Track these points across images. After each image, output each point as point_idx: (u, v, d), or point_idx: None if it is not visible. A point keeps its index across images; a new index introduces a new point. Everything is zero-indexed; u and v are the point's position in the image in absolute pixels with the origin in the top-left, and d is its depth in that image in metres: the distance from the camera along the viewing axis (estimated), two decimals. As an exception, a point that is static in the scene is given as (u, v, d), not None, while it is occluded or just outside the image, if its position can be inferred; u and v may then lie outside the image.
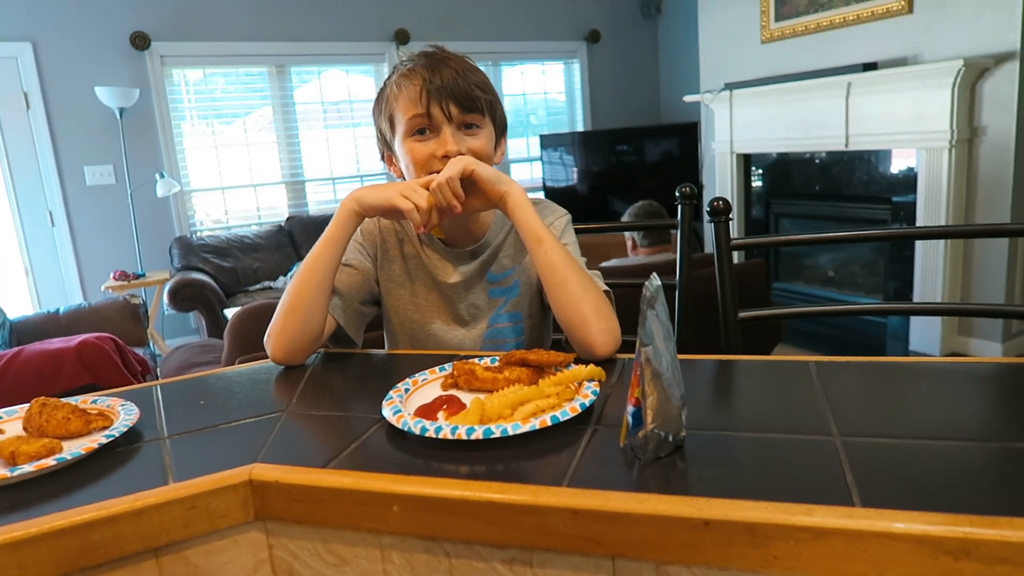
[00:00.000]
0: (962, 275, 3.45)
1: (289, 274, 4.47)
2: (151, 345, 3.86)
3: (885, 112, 3.50)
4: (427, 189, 1.02)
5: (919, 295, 3.55)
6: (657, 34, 5.92)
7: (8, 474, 0.71)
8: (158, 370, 3.46)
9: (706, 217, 1.21)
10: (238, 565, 0.73)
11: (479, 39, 5.13)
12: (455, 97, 1.05)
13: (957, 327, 3.55)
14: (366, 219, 1.21)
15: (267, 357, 1.08)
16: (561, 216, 1.17)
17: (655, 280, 0.66)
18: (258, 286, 4.44)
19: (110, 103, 4.04)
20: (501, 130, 1.15)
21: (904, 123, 3.42)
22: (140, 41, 4.25)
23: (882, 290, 3.90)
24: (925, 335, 3.59)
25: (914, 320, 3.66)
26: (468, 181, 1.02)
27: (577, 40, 5.65)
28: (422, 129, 1.08)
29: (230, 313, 3.77)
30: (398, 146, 1.12)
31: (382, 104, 1.13)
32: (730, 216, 1.13)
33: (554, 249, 1.00)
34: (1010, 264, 3.28)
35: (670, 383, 0.65)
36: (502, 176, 1.04)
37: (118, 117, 4.12)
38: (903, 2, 3.39)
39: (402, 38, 4.97)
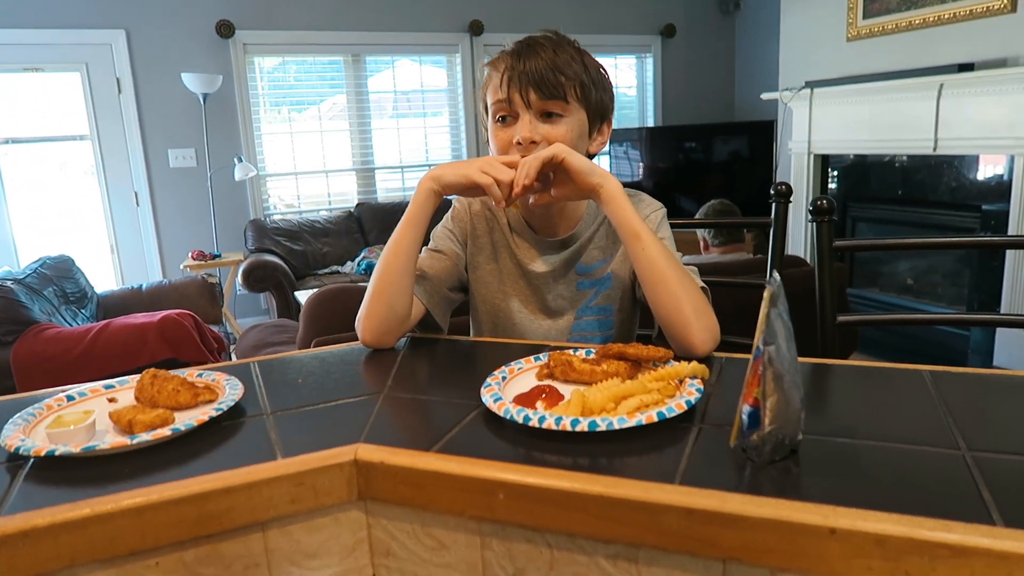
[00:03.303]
0: (1056, 289, 3.26)
1: (357, 259, 4.55)
2: (224, 323, 4.00)
3: (979, 116, 3.33)
4: (507, 166, 1.01)
5: (1007, 308, 3.37)
6: (734, 30, 5.77)
7: (128, 441, 0.74)
8: (232, 347, 3.57)
9: (799, 217, 1.16)
10: (338, 543, 0.75)
11: (552, 32, 5.10)
12: (536, 83, 1.04)
13: (1048, 343, 3.36)
14: (457, 206, 1.22)
15: (344, 339, 1.09)
16: (657, 209, 1.15)
17: (777, 278, 0.64)
18: (327, 270, 4.53)
19: (195, 89, 4.18)
20: (599, 117, 1.12)
21: (1000, 128, 3.24)
22: (225, 29, 4.38)
23: (965, 301, 3.72)
24: (1012, 350, 3.40)
25: (1000, 333, 3.47)
26: (560, 169, 1.01)
27: (652, 34, 5.57)
28: (505, 116, 1.08)
29: (300, 295, 3.86)
30: (489, 131, 1.12)
31: (482, 89, 1.13)
32: (834, 216, 1.09)
33: (653, 245, 0.98)
34: (1111, 279, 3.08)
35: (791, 385, 0.62)
36: (596, 168, 1.02)
37: (201, 102, 4.26)
38: (1005, 0, 3.21)
39: (476, 30, 4.99)
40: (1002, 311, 3.40)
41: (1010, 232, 3.29)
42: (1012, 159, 3.25)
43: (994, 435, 0.69)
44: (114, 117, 4.29)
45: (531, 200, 1.06)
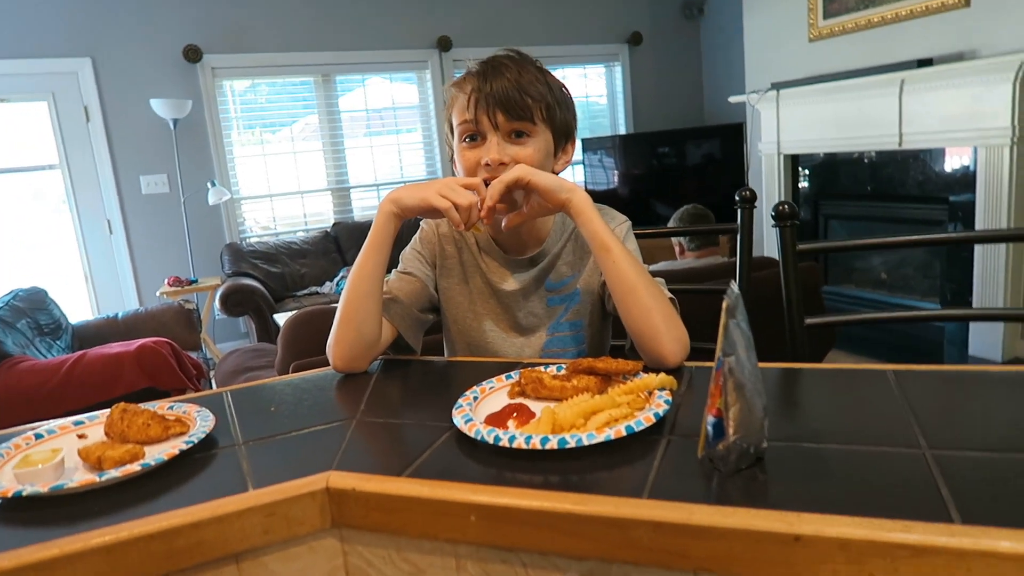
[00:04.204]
0: (1024, 277, 3.33)
1: (335, 279, 4.53)
2: (203, 349, 3.96)
3: (941, 109, 3.40)
4: (465, 188, 1.02)
5: (978, 299, 3.43)
6: (699, 35, 5.85)
7: (97, 479, 0.73)
8: (212, 373, 3.54)
9: (769, 221, 1.18)
10: (314, 571, 0.74)
11: (520, 44, 5.13)
12: (503, 105, 1.05)
13: (1021, 332, 3.42)
14: (425, 228, 1.22)
15: (322, 361, 1.09)
16: (622, 222, 1.16)
17: (735, 288, 0.65)
18: (305, 291, 4.51)
19: (164, 114, 4.16)
20: (564, 136, 1.14)
21: (962, 120, 3.31)
22: (192, 54, 4.36)
23: (938, 293, 3.78)
24: (985, 340, 3.46)
25: (974, 323, 3.53)
26: (528, 189, 1.02)
27: (618, 43, 5.62)
28: (472, 136, 1.09)
29: (279, 318, 3.84)
30: (455, 150, 1.13)
31: (447, 109, 1.14)
32: (796, 220, 1.11)
33: (622, 257, 0.99)
34: (1077, 266, 3.15)
35: (752, 394, 0.63)
36: (563, 183, 1.03)
37: (172, 128, 4.24)
38: (960, -4, 3.29)
39: (444, 45, 5.01)
40: (973, 301, 3.46)
41: (977, 222, 3.35)
42: (975, 150, 3.32)
43: (955, 432, 0.70)
44: (83, 145, 4.25)
45: (503, 223, 1.07)
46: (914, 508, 0.56)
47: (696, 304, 1.25)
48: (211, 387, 3.34)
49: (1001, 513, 0.54)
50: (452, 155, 1.18)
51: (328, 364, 1.10)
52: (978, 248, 3.41)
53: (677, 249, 2.89)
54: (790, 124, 4.27)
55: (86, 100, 4.20)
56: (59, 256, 4.36)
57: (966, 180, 3.42)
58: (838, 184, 4.16)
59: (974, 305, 3.43)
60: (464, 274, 1.19)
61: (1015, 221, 3.21)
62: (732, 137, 5.03)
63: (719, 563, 0.58)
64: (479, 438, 0.75)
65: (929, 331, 3.77)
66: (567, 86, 1.16)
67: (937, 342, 3.72)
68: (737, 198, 1.34)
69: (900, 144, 3.62)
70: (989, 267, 3.36)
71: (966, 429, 0.72)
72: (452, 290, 1.20)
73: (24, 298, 3.28)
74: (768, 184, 4.49)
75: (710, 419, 0.65)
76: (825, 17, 3.99)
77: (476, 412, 0.84)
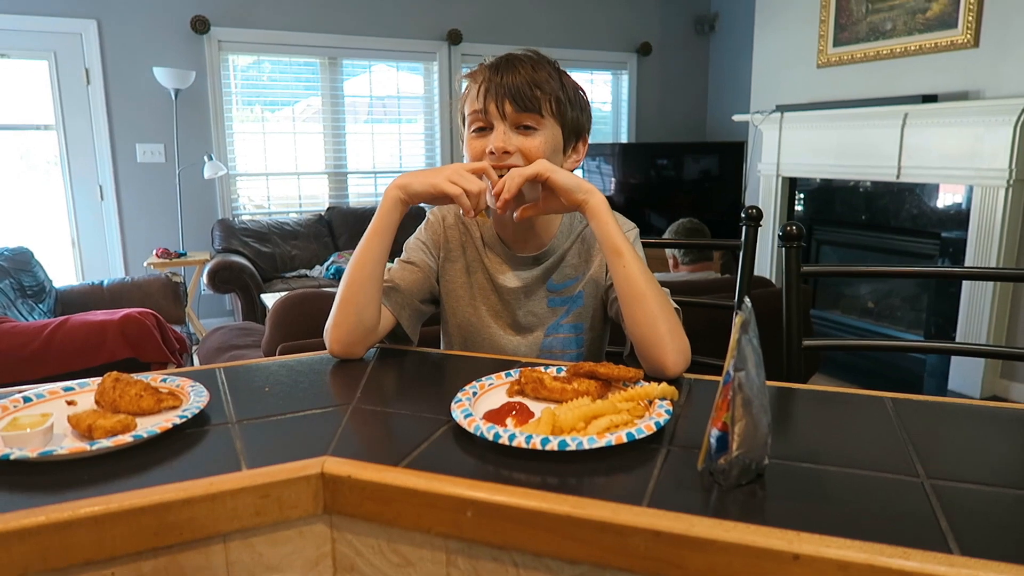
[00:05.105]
0: (1009, 317, 3.37)
1: (326, 263, 4.51)
2: (187, 324, 3.92)
3: (941, 146, 3.43)
4: (474, 174, 1.02)
5: (962, 334, 3.47)
6: (709, 51, 5.87)
7: (88, 447, 0.72)
8: (195, 348, 3.51)
9: (767, 239, 1.18)
10: (301, 557, 0.74)
11: (531, 44, 5.12)
12: (512, 96, 1.04)
13: (1000, 370, 3.47)
14: (431, 218, 1.22)
15: (312, 345, 1.09)
16: (630, 229, 1.16)
17: (748, 305, 0.65)
18: (295, 273, 4.48)
19: (167, 84, 4.11)
20: (575, 135, 1.13)
21: (960, 158, 3.35)
22: (200, 25, 4.32)
23: (923, 325, 3.82)
24: (966, 375, 3.51)
25: (955, 358, 3.57)
26: (545, 186, 1.02)
27: (628, 52, 5.63)
28: (482, 127, 1.08)
29: (267, 298, 3.81)
30: (464, 140, 1.12)
31: (460, 100, 1.14)
32: (803, 243, 1.12)
33: (633, 263, 0.98)
34: (1061, 310, 3.20)
35: (759, 410, 0.63)
36: (582, 183, 1.02)
37: (173, 98, 4.19)
38: (968, 36, 3.33)
39: (454, 39, 5.00)
40: (957, 336, 3.49)
41: (968, 259, 3.39)
42: (971, 189, 3.36)
43: (951, 463, 0.71)
44: (81, 108, 4.19)
45: (516, 214, 1.07)
46: (913, 536, 0.56)
47: (692, 317, 1.25)
48: (192, 363, 3.30)
49: (998, 547, 0.55)
50: (463, 148, 1.17)
51: (319, 348, 1.09)
52: (966, 284, 3.45)
53: (671, 262, 2.90)
54: (791, 147, 4.29)
55: (88, 63, 4.14)
56: (47, 219, 4.30)
57: (959, 217, 3.46)
58: (833, 211, 4.20)
59: (957, 340, 3.47)
60: (467, 267, 1.19)
61: (1004, 260, 3.25)
62: (732, 155, 5.05)
63: (715, 577, 0.58)
64: (478, 434, 0.75)
65: (911, 363, 3.81)
66: (584, 89, 1.15)
67: (918, 374, 3.76)
68: (743, 215, 1.34)
69: (898, 176, 3.65)
70: (976, 304, 3.40)
71: (963, 461, 0.72)
72: (454, 283, 1.19)
73: (9, 258, 3.23)
74: (764, 205, 4.51)
75: (714, 432, 0.65)
76: (835, 45, 4.02)
77: (475, 408, 0.83)
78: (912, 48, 3.60)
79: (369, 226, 1.06)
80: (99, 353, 2.66)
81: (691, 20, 5.77)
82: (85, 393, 0.89)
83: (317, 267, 4.53)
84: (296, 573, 0.73)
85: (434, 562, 0.71)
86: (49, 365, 2.55)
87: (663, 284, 1.07)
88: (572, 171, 1.14)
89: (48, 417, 0.77)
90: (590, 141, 1.18)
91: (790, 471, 0.69)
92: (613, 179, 5.47)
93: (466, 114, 1.10)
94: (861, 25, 3.86)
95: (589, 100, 1.16)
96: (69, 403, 0.87)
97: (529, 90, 1.05)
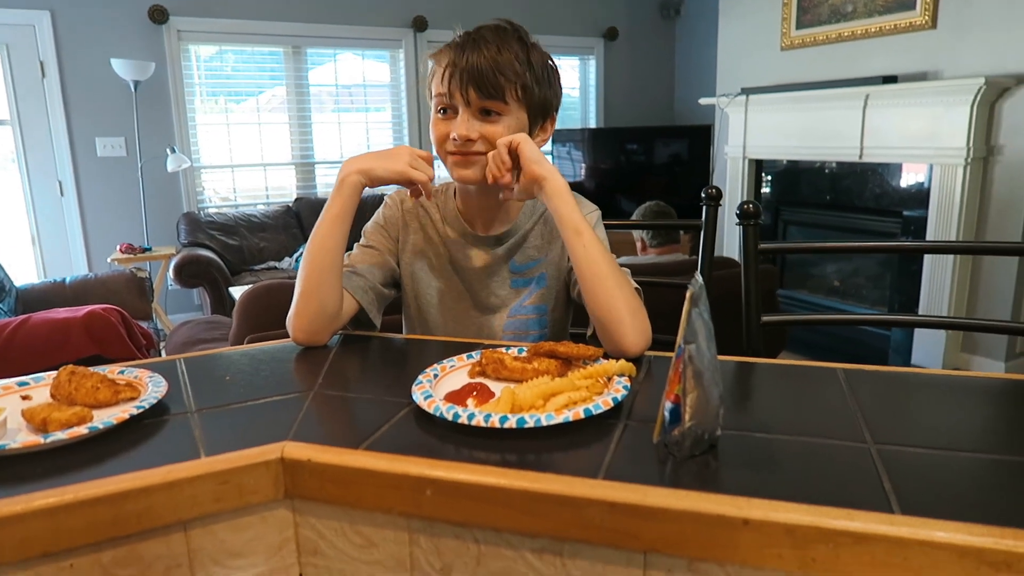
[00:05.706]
0: (968, 292, 3.45)
1: (295, 255, 4.46)
2: (154, 319, 3.86)
3: (902, 126, 3.49)
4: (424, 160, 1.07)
5: (924, 309, 3.55)
6: (675, 35, 5.90)
7: (41, 440, 0.71)
8: (162, 344, 3.46)
9: (734, 220, 1.20)
10: (264, 542, 0.74)
11: (496, 31, 5.11)
12: (476, 82, 1.04)
13: (961, 343, 3.56)
14: (388, 202, 1.21)
15: (279, 336, 1.08)
16: (592, 211, 1.16)
17: (699, 279, 0.66)
18: (263, 266, 4.43)
19: (125, 76, 4.02)
20: (541, 114, 1.12)
21: (920, 138, 3.42)
22: (158, 15, 4.23)
23: (887, 303, 3.90)
24: (928, 350, 3.59)
25: (918, 334, 3.66)
26: (513, 153, 1.02)
27: (595, 37, 5.64)
28: (445, 108, 1.08)
29: (235, 291, 3.76)
30: (431, 119, 1.12)
31: (427, 79, 1.13)
32: (760, 220, 1.14)
33: (593, 243, 0.99)
34: (1018, 284, 3.28)
35: (710, 382, 0.65)
36: (545, 160, 1.03)
37: (132, 90, 4.10)
38: (926, 17, 3.38)
39: (420, 25, 4.96)
40: (920, 312, 3.58)
41: (928, 236, 3.47)
42: (931, 168, 3.43)
43: (899, 429, 0.73)
44: (37, 102, 4.08)
45: (501, 195, 1.08)
46: (857, 498, 0.58)
47: (656, 297, 1.26)
48: (160, 357, 3.25)
49: (938, 506, 0.57)
50: None
51: (286, 338, 1.09)
52: (927, 261, 3.52)
53: (639, 245, 2.92)
54: (757, 130, 4.34)
55: (43, 55, 4.04)
56: (5, 216, 4.20)
57: (920, 196, 3.53)
58: (799, 192, 4.26)
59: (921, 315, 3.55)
60: (427, 249, 1.19)
61: (964, 236, 3.33)
62: (700, 138, 5.09)
63: (669, 544, 0.60)
64: (438, 414, 0.75)
65: (876, 339, 3.89)
66: (553, 60, 1.15)
67: (883, 350, 3.84)
68: (703, 195, 1.36)
69: (860, 157, 3.71)
70: (936, 279, 3.48)
71: (910, 427, 0.75)
72: (414, 265, 1.19)
73: (-34, 256, 3.14)
74: (732, 187, 4.56)
75: (667, 405, 0.66)
76: (798, 28, 4.07)
77: (436, 389, 0.84)
78: (873, 30, 3.66)
79: (325, 212, 1.06)
80: (63, 351, 2.61)
81: (656, 4, 5.78)
82: (40, 388, 0.88)
83: (286, 259, 4.49)
84: (259, 558, 0.73)
85: (397, 542, 0.71)
86: (11, 365, 2.50)
87: (630, 267, 1.09)
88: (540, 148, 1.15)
89: (1, 412, 0.76)
90: (559, 127, 1.19)
91: (743, 441, 0.70)
92: (583, 164, 5.49)
93: (432, 94, 1.10)
94: (823, 7, 3.91)
95: (559, 69, 1.16)
96: (24, 398, 0.86)
97: (493, 76, 1.04)
